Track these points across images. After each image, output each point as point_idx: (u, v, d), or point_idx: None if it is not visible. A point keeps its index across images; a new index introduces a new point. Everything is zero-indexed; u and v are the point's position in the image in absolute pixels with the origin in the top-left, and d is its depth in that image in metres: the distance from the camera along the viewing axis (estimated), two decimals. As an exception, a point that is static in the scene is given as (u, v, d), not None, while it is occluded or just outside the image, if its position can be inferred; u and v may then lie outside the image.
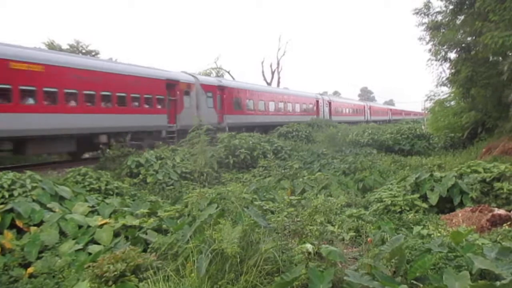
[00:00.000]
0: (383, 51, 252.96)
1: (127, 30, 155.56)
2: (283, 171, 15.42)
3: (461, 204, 8.68)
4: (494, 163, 10.33)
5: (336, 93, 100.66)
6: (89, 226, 7.62)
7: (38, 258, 6.67)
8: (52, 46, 36.91)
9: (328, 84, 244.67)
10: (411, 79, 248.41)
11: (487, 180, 9.05)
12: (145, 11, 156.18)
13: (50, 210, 8.47)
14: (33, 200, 8.71)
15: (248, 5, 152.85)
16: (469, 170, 9.74)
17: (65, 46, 39.76)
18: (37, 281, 5.73)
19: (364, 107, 63.84)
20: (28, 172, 10.17)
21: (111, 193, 11.73)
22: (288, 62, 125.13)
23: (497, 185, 8.80)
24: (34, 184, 9.37)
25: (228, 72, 59.70)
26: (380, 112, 73.17)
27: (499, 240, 5.87)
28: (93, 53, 39.81)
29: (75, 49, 39.50)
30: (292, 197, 9.39)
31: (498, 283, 3.53)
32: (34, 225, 7.72)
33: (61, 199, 9.36)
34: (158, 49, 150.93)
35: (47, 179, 10.29)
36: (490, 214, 7.31)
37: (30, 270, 6.29)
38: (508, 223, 6.94)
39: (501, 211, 7.48)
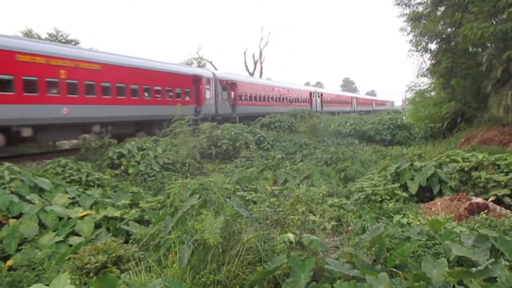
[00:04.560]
0: (366, 41, 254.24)
1: (106, 19, 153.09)
2: (265, 161, 15.47)
3: (440, 193, 8.80)
4: (473, 152, 10.49)
5: (318, 84, 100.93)
6: (69, 218, 7.53)
7: (18, 250, 6.58)
8: (30, 35, 36.14)
9: (311, 75, 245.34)
10: (393, 70, 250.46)
11: (466, 169, 9.20)
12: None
13: (30, 202, 8.35)
14: (12, 192, 8.57)
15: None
16: (448, 160, 9.89)
17: (44, 35, 38.96)
18: (16, 274, 5.65)
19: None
20: (6, 164, 9.99)
21: (92, 184, 11.62)
22: (271, 53, 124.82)
23: (475, 174, 8.95)
24: (13, 176, 9.22)
25: (211, 63, 59.52)
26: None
27: (476, 227, 5.98)
28: (73, 43, 39.10)
29: (54, 38, 38.74)
30: (274, 188, 9.42)
31: (474, 269, 3.60)
32: (13, 218, 7.59)
33: (40, 191, 9.23)
34: (138, 37, 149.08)
35: (26, 171, 10.13)
36: (468, 202, 7.44)
37: (9, 262, 6.20)
38: (485, 211, 7.08)
39: (479, 200, 7.62)
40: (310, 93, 51.98)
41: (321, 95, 55.17)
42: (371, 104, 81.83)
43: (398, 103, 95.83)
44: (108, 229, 6.81)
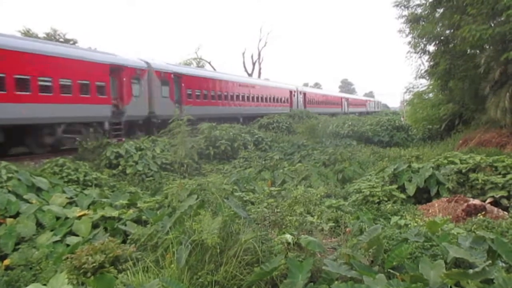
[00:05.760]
0: (365, 43, 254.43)
1: (105, 18, 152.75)
2: (263, 162, 15.48)
3: (438, 195, 8.82)
4: (470, 154, 10.52)
5: (316, 85, 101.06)
6: (67, 218, 7.52)
7: (15, 250, 6.57)
8: (28, 35, 36.08)
9: (309, 76, 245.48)
10: (391, 71, 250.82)
11: (463, 171, 9.22)
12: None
13: (27, 201, 8.34)
14: (9, 191, 8.55)
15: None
16: (446, 161, 9.92)
17: (41, 35, 38.89)
18: (13, 273, 5.64)
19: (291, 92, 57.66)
20: (4, 163, 9.98)
21: (90, 184, 11.60)
22: (270, 53, 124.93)
23: (472, 176, 8.98)
24: (10, 175, 9.21)
25: (209, 63, 59.45)
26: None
27: (473, 229, 5.99)
28: (71, 42, 39.05)
29: (52, 37, 38.68)
30: (272, 188, 9.43)
31: (471, 271, 3.61)
32: (10, 217, 7.59)
33: (38, 190, 9.22)
34: (138, 36, 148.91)
35: (24, 170, 10.10)
36: (465, 204, 7.46)
37: (6, 262, 6.19)
38: (483, 212, 7.10)
39: (476, 201, 7.64)
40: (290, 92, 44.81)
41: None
42: (339, 104, 63.30)
43: (396, 104, 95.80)
44: (105, 229, 6.81)
